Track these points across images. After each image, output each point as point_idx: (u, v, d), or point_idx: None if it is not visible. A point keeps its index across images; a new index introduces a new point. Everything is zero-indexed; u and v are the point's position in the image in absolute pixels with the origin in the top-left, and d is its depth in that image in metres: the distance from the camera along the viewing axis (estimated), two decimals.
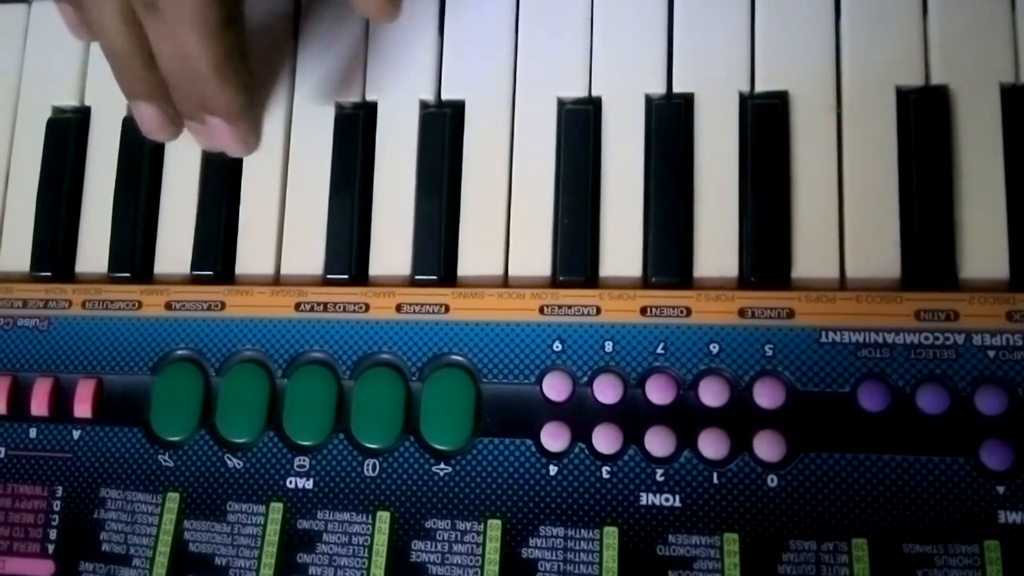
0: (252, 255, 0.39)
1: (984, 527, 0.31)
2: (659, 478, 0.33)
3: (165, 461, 0.36)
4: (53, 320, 0.38)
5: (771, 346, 0.33)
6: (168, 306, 0.38)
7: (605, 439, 0.34)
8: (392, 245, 0.38)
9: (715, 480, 0.33)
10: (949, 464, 0.32)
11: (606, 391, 0.34)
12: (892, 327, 0.33)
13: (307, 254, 0.38)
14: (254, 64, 0.38)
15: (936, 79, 0.35)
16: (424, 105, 0.39)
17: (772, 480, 0.32)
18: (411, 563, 0.34)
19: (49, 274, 0.40)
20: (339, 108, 0.40)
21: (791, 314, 0.34)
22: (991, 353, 0.32)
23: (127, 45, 0.35)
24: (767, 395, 0.33)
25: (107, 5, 0.34)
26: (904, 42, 0.36)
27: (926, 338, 0.33)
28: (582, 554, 0.33)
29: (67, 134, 0.41)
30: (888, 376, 0.33)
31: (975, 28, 0.36)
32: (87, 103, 0.41)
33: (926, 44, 0.36)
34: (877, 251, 0.34)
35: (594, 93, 0.38)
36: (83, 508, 0.36)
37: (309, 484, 0.35)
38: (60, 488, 0.37)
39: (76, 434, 0.37)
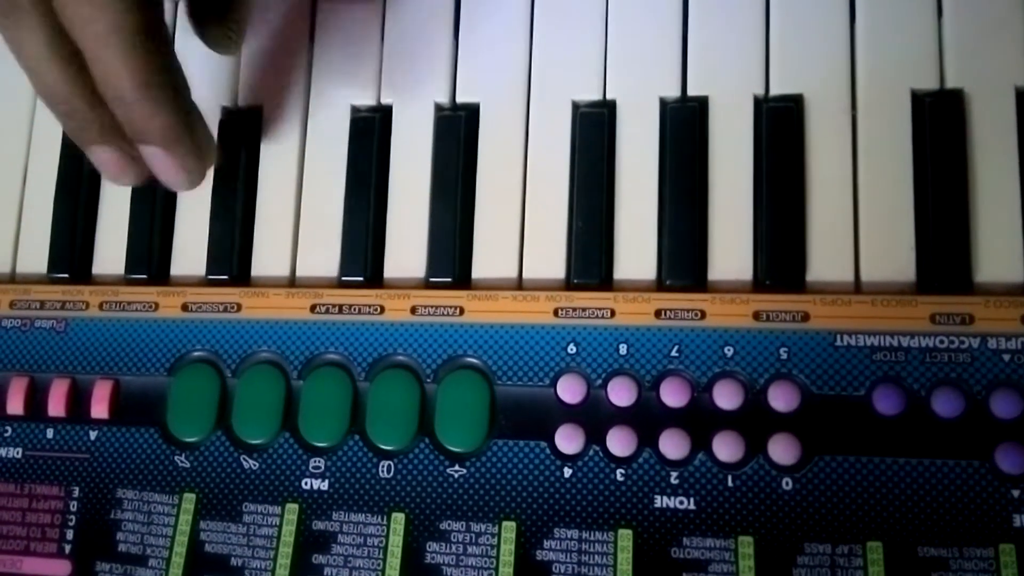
0: (268, 257, 0.39)
1: (999, 531, 0.31)
2: (673, 481, 0.33)
3: (181, 462, 0.36)
4: (70, 321, 0.39)
5: (786, 349, 0.34)
6: (184, 308, 0.38)
7: (619, 441, 0.34)
8: (407, 247, 0.38)
9: (730, 483, 0.33)
10: (964, 468, 0.32)
11: (620, 393, 0.34)
12: (907, 330, 0.33)
13: (322, 256, 0.38)
14: (186, 79, 0.33)
15: (951, 82, 0.35)
16: (439, 108, 0.39)
17: (787, 483, 0.33)
18: (426, 564, 0.34)
19: (66, 276, 0.40)
20: (354, 111, 0.40)
21: (806, 317, 0.34)
22: (1006, 357, 0.32)
23: (65, 84, 0.30)
24: (782, 398, 0.33)
25: (32, 39, 0.29)
26: (919, 45, 0.36)
27: (941, 341, 0.33)
28: (596, 556, 0.33)
29: None
30: (903, 379, 0.33)
31: (990, 31, 0.35)
32: None
33: (941, 47, 0.36)
34: (892, 254, 0.34)
35: (609, 96, 0.38)
36: (100, 508, 0.36)
37: (324, 485, 0.35)
38: (77, 488, 0.37)
39: (93, 435, 0.37)
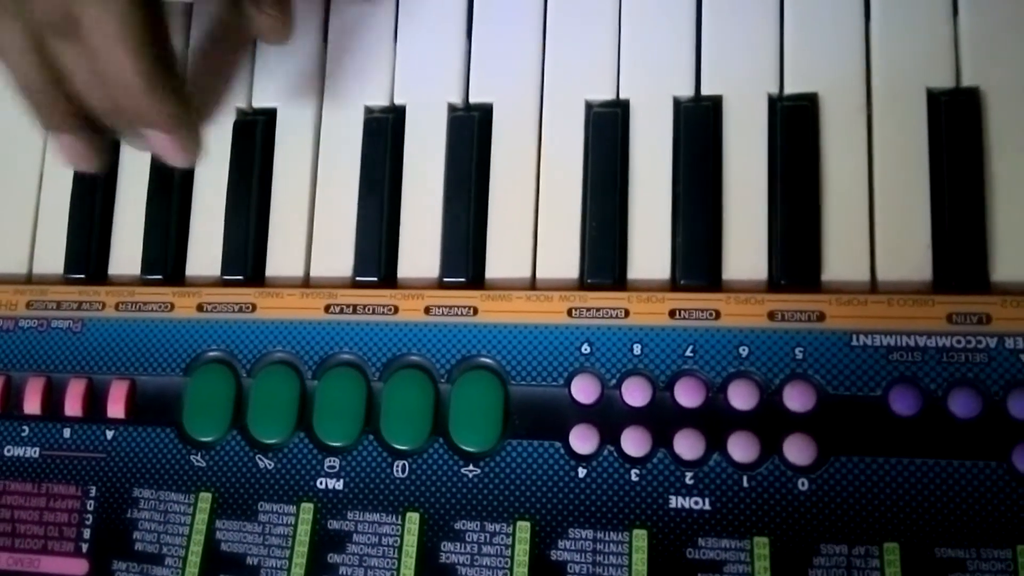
0: (282, 257, 0.39)
1: (1017, 531, 0.31)
2: (688, 481, 0.33)
3: (197, 461, 0.37)
4: (87, 322, 0.39)
5: (801, 349, 0.33)
6: (200, 308, 0.38)
7: (634, 442, 0.34)
8: (420, 247, 0.38)
9: (745, 483, 0.33)
10: (981, 468, 0.32)
11: (635, 394, 0.34)
12: (924, 330, 0.33)
13: (336, 256, 0.38)
14: (182, 70, 0.36)
15: (967, 81, 0.35)
16: (452, 108, 0.39)
17: (803, 484, 0.32)
18: (440, 564, 0.34)
19: (83, 276, 0.40)
20: (368, 111, 0.40)
21: (821, 317, 0.34)
22: None
23: (41, 77, 0.33)
24: (797, 398, 0.33)
25: (12, 37, 0.33)
26: (934, 43, 0.36)
27: (958, 341, 0.33)
28: (611, 556, 0.33)
29: None
30: (920, 379, 0.33)
31: (1006, 29, 0.35)
32: None
33: (957, 45, 0.36)
34: (908, 253, 0.34)
35: (622, 96, 0.38)
36: (116, 508, 0.37)
37: (339, 485, 0.35)
38: (94, 488, 0.37)
39: (109, 434, 0.37)
